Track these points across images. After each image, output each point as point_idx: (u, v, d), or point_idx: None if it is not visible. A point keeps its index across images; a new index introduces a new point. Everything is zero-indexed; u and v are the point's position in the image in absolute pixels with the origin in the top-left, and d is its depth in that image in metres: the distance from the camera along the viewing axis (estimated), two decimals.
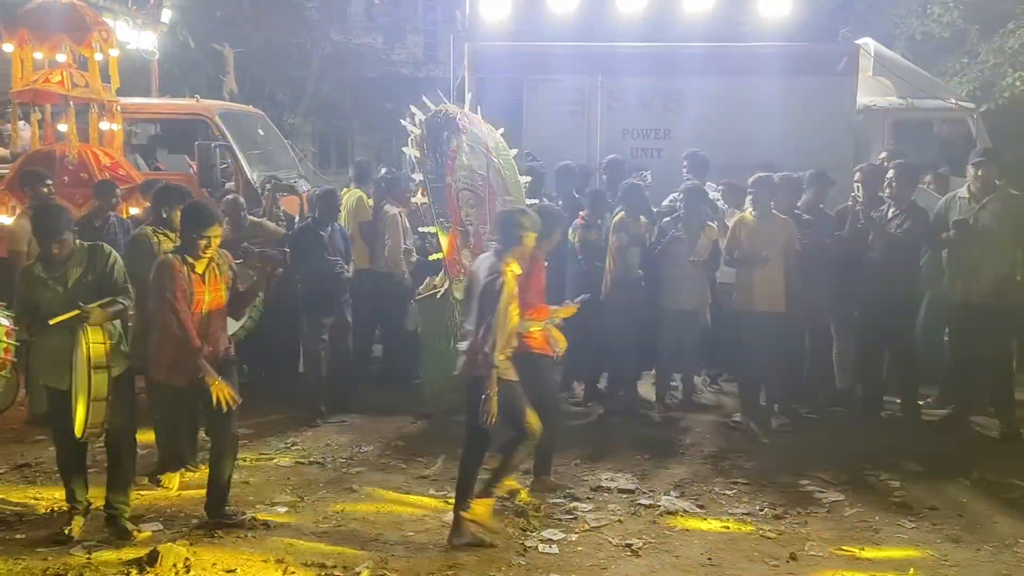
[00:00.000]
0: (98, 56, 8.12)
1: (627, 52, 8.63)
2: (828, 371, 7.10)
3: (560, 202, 7.10)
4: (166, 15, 12.87)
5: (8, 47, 8.00)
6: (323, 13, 20.09)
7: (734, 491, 5.29)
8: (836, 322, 7.03)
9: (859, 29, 10.48)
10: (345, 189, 7.69)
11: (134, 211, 7.68)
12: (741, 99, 8.28)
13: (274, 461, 5.78)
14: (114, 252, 4.58)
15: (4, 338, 5.20)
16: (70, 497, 4.60)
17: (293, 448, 6.06)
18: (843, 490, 5.29)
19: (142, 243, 5.41)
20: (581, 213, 6.97)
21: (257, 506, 4.97)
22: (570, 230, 6.71)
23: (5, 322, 5.20)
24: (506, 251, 4.48)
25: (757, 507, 5.04)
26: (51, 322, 4.28)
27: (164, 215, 5.45)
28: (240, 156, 9.38)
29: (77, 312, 4.21)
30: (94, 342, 4.19)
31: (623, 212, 6.71)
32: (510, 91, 8.46)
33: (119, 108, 8.50)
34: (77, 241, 4.48)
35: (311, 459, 5.83)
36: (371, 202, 7.55)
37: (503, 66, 8.55)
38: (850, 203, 6.84)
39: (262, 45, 17.67)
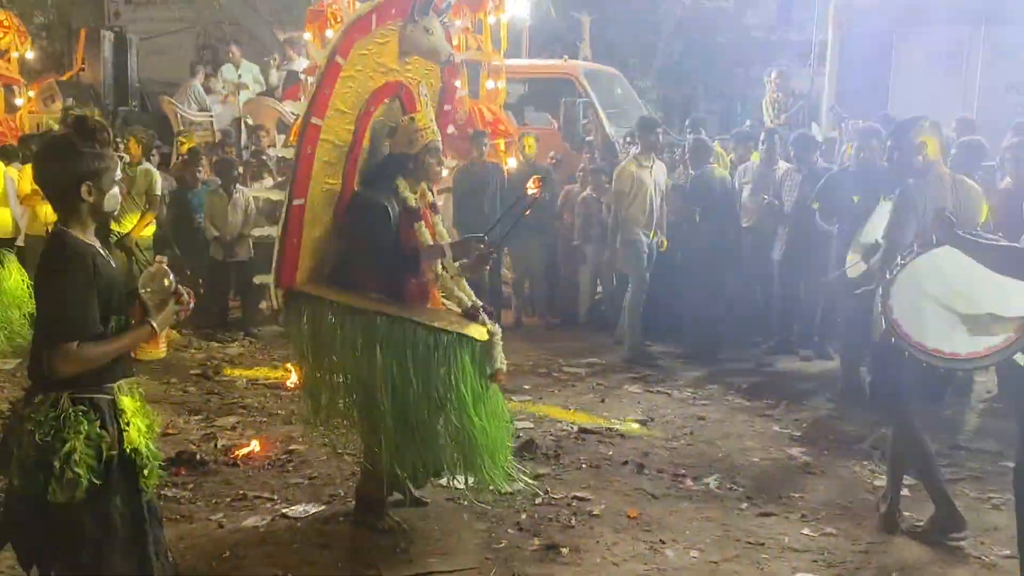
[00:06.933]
0: (491, 20, 9.05)
1: None
2: None
3: None
4: None
5: None
6: None
7: None
8: None
9: None
10: None
11: (512, 161, 8.60)
12: None
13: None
14: None
15: None
16: None
17: None
18: None
19: None
20: None
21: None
22: None
23: None
24: None
25: None
26: None
27: None
28: (600, 113, 10.07)
29: None
30: None
31: None
32: (876, 48, 8.20)
33: (504, 69, 9.49)
34: None
35: None
36: None
37: (870, 21, 8.29)
38: None
39: (617, 12, 18.38)
